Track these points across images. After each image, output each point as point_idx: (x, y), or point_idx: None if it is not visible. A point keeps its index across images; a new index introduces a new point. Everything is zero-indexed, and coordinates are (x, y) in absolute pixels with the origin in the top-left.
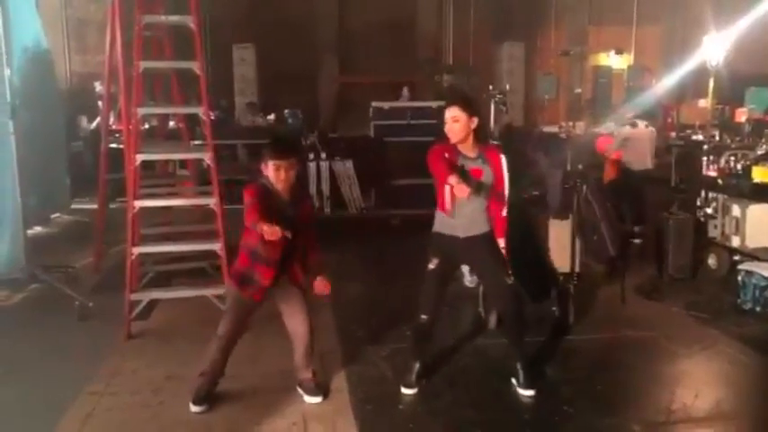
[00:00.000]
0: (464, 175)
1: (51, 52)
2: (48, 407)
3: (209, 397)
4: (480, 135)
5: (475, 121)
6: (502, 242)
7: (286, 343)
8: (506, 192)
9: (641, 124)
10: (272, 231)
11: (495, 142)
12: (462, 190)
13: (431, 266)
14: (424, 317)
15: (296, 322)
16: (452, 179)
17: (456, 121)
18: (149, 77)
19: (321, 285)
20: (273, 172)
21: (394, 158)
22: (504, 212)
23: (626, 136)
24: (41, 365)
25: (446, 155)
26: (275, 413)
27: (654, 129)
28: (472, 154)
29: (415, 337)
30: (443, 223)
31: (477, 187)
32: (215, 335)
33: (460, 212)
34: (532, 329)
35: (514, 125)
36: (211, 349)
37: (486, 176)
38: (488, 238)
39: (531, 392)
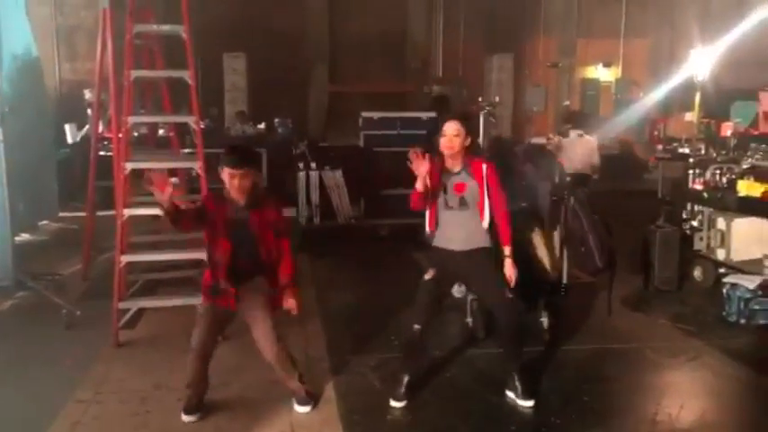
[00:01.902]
0: (445, 193)
1: (41, 59)
2: (35, 415)
3: (200, 407)
4: (470, 151)
5: (469, 139)
6: (508, 250)
7: None
8: (504, 202)
9: (573, 134)
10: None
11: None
12: (419, 167)
13: (426, 277)
14: (416, 327)
15: (259, 335)
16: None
17: (457, 136)
18: (140, 86)
19: (288, 302)
20: (228, 180)
21: (383, 168)
22: (507, 221)
23: (557, 144)
24: (29, 373)
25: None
26: (263, 422)
27: (594, 138)
28: (456, 168)
29: (408, 347)
30: (440, 237)
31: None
32: (189, 346)
33: (448, 226)
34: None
35: (503, 136)
36: (188, 361)
37: (471, 189)
38: (487, 253)
39: (531, 403)
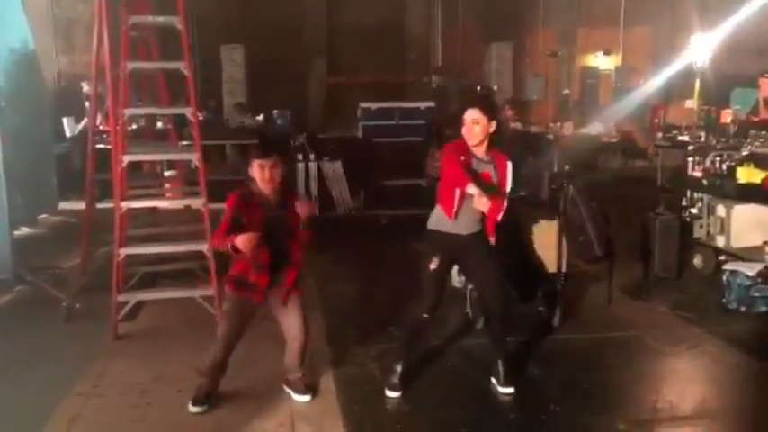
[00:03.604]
0: (480, 183)
1: (38, 53)
2: (35, 408)
3: (210, 398)
4: (495, 139)
5: (494, 124)
6: (491, 242)
7: (273, 345)
8: (505, 200)
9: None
10: (245, 241)
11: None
12: (484, 204)
13: (432, 266)
14: (425, 315)
15: (291, 322)
16: (472, 189)
17: (476, 124)
18: (137, 78)
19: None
20: (258, 172)
21: (382, 159)
22: (500, 216)
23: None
24: (28, 367)
25: (462, 158)
26: (263, 414)
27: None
28: (485, 157)
29: (411, 336)
30: (443, 221)
31: (489, 191)
32: (216, 337)
33: (463, 212)
34: (520, 329)
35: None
36: (212, 350)
37: (493, 180)
38: (483, 236)
39: (509, 390)
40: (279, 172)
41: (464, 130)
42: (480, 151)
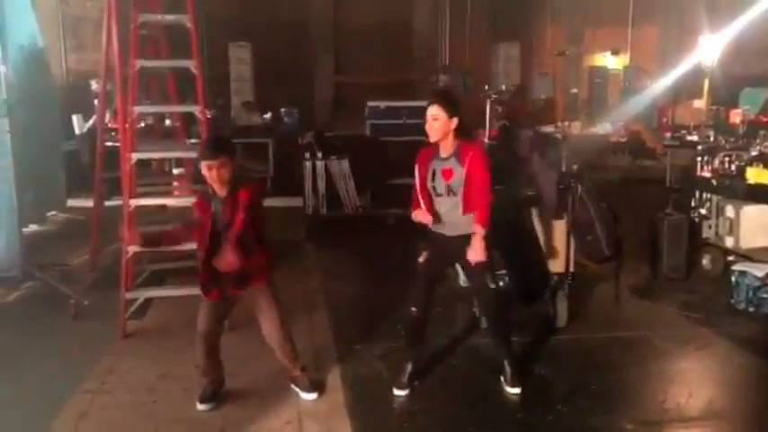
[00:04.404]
0: (433, 179)
1: (47, 50)
2: (43, 405)
3: (216, 396)
4: (459, 134)
5: (455, 121)
6: (481, 230)
7: None
8: (486, 184)
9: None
10: (224, 263)
11: (492, 142)
12: (423, 218)
13: (420, 259)
14: (413, 309)
15: (265, 323)
16: (414, 213)
17: (435, 120)
18: (145, 76)
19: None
20: (206, 172)
21: (390, 158)
22: (485, 202)
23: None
24: (36, 364)
25: (425, 160)
26: (270, 412)
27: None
28: (446, 153)
29: (407, 331)
30: (435, 222)
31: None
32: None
33: (439, 212)
34: (526, 329)
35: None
36: (197, 346)
37: (457, 176)
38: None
39: (517, 390)
40: (227, 171)
41: (426, 127)
42: (444, 148)
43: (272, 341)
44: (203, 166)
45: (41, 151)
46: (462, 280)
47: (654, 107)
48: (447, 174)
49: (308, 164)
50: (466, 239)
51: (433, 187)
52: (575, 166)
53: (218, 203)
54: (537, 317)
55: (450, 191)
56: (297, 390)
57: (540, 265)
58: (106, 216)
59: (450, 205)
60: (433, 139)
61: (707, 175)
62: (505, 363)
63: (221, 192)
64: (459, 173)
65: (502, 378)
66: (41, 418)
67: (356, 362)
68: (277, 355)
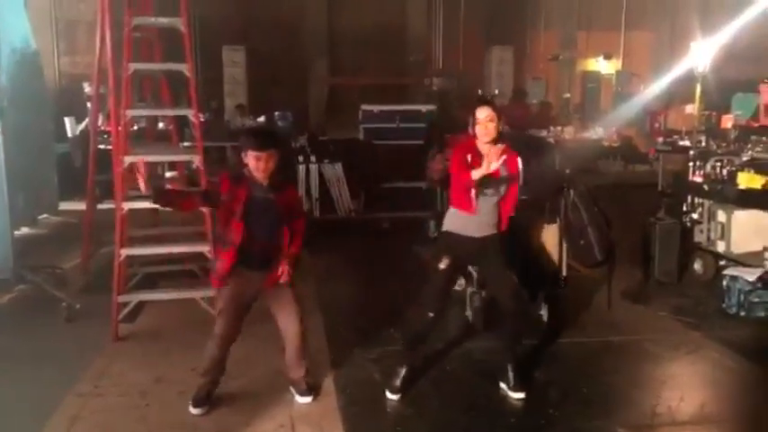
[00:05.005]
0: (485, 179)
1: (40, 53)
2: (35, 408)
3: (209, 399)
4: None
5: (502, 123)
6: (503, 231)
7: (273, 346)
8: (517, 190)
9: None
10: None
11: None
12: (491, 164)
13: (441, 266)
14: (430, 314)
15: (287, 320)
16: (476, 174)
17: (491, 121)
18: (139, 78)
19: (283, 267)
20: (254, 162)
21: (383, 161)
22: (512, 211)
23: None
24: (28, 367)
25: (468, 157)
26: (263, 415)
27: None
28: (495, 155)
29: (415, 337)
30: (456, 223)
31: (486, 183)
32: (212, 333)
33: (480, 210)
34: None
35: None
36: (209, 347)
37: (503, 178)
38: (498, 240)
39: (521, 395)
40: (273, 164)
41: (478, 129)
42: (492, 149)
43: (288, 335)
44: (250, 156)
45: (33, 154)
46: (456, 284)
47: (646, 112)
48: (495, 174)
49: (302, 167)
50: (489, 240)
51: (482, 183)
52: (567, 171)
53: (263, 191)
54: (528, 321)
55: (496, 191)
56: (293, 392)
57: (536, 268)
58: (98, 219)
59: (491, 205)
60: (487, 139)
61: (699, 179)
62: (509, 367)
63: (263, 182)
64: (505, 175)
65: (502, 383)
66: (34, 422)
67: (349, 365)
68: (286, 354)
